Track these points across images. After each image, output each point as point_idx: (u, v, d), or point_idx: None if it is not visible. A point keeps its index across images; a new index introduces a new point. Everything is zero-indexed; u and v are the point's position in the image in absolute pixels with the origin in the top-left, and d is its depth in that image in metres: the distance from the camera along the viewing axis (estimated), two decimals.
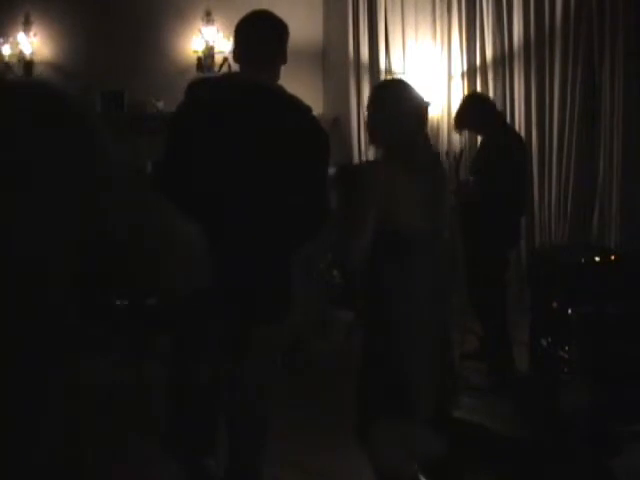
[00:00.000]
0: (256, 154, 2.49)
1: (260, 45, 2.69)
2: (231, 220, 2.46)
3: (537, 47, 6.03)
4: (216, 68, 7.27)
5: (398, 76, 7.34)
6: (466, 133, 6.04)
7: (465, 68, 6.88)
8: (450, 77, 6.95)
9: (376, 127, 2.70)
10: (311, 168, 2.58)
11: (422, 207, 2.52)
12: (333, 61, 7.84)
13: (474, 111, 4.73)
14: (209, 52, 7.36)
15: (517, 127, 5.98)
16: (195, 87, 2.67)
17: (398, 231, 2.49)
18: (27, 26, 7.04)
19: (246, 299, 2.50)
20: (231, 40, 7.39)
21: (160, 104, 7.11)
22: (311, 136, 2.64)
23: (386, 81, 3.06)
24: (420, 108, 2.67)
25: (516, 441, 3.39)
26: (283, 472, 3.25)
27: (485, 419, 3.52)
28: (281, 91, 2.66)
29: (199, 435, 2.81)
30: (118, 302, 4.74)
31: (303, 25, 7.80)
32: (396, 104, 2.64)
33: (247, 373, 2.63)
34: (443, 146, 6.66)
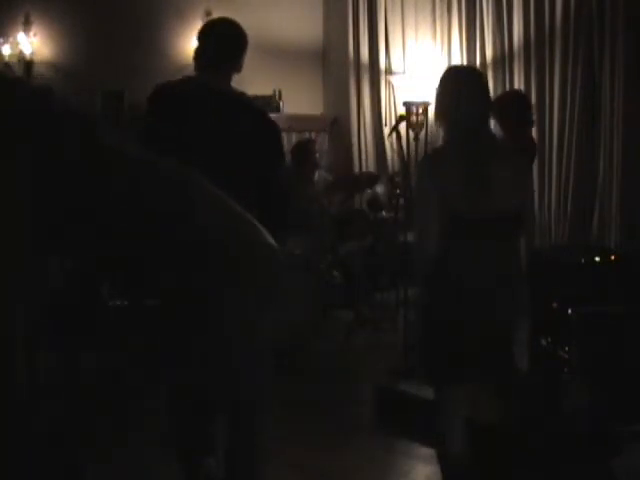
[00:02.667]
0: (215, 146, 2.73)
1: (217, 52, 2.95)
2: None
3: (537, 47, 6.03)
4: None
5: (399, 76, 7.35)
6: None
7: None
8: None
9: (442, 110, 2.74)
10: (265, 158, 2.86)
11: (483, 191, 2.56)
12: (333, 61, 7.84)
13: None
14: None
15: None
16: (159, 91, 2.93)
17: (459, 215, 2.55)
18: (27, 26, 7.03)
19: None
20: None
21: None
22: (262, 130, 2.92)
23: (459, 66, 3.13)
24: (486, 97, 2.72)
25: (516, 441, 3.39)
26: (283, 472, 3.25)
27: (485, 418, 3.51)
28: (238, 94, 3.00)
29: (199, 435, 2.81)
30: (118, 302, 4.74)
31: (303, 25, 7.80)
32: (462, 88, 2.68)
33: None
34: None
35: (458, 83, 2.73)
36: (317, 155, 6.14)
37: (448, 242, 2.58)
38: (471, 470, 2.79)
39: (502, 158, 2.68)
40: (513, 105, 4.58)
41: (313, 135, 7.74)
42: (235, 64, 3.02)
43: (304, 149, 6.04)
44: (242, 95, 3.02)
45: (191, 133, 2.76)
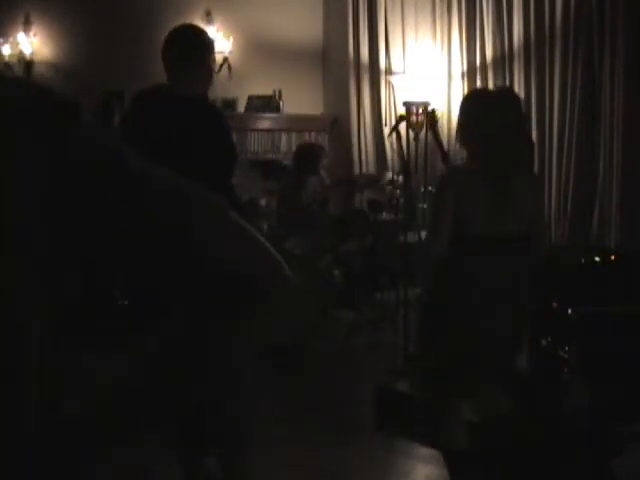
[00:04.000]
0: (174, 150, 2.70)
1: (180, 60, 2.98)
2: None
3: (537, 47, 6.03)
4: (216, 68, 7.28)
5: (399, 76, 7.35)
6: None
7: (465, 68, 6.88)
8: (450, 77, 6.95)
9: (463, 130, 2.79)
10: (217, 160, 2.84)
11: (491, 213, 2.64)
12: (333, 61, 7.84)
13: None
14: None
15: None
16: (137, 98, 3.14)
17: (464, 234, 2.64)
18: (27, 26, 7.04)
19: None
20: (231, 40, 7.45)
21: None
22: (214, 132, 2.89)
23: (486, 90, 3.16)
24: (511, 120, 2.73)
25: (516, 441, 3.39)
26: (283, 472, 3.25)
27: (485, 419, 3.51)
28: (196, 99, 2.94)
29: (199, 435, 2.81)
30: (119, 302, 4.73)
31: (303, 25, 7.81)
32: (485, 111, 2.72)
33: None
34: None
35: (489, 103, 2.77)
36: (324, 161, 6.00)
37: (457, 252, 2.66)
38: (475, 468, 2.81)
39: (520, 176, 2.72)
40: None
41: (313, 135, 7.74)
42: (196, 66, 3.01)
43: (311, 153, 5.92)
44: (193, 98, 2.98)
45: (150, 142, 2.80)
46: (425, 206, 6.10)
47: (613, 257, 4.28)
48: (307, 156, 5.81)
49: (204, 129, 2.86)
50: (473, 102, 2.83)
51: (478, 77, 6.73)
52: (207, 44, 3.05)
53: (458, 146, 2.87)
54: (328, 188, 6.02)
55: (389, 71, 7.51)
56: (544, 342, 4.21)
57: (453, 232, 2.65)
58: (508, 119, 2.70)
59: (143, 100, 3.06)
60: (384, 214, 6.45)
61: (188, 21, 7.41)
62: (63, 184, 1.01)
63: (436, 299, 2.81)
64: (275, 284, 1.17)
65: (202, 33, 3.08)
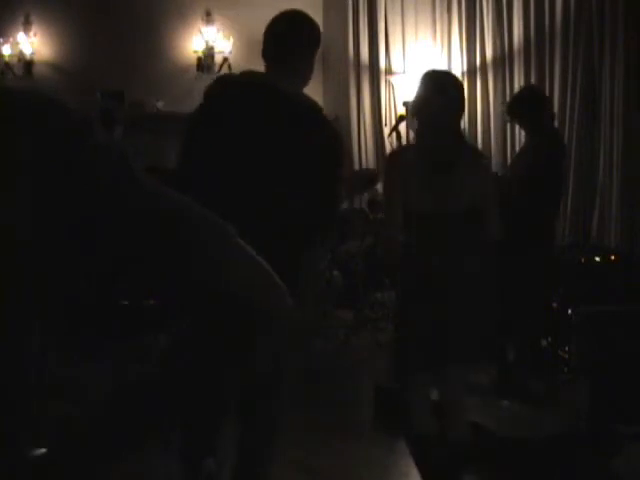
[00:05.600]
0: (261, 154, 2.45)
1: (275, 44, 2.61)
2: (242, 221, 2.42)
3: (537, 47, 6.03)
4: (216, 68, 7.28)
5: (399, 76, 7.35)
6: None
7: (465, 68, 6.88)
8: None
9: (412, 111, 2.95)
10: (320, 169, 2.48)
11: (434, 191, 2.74)
12: (333, 61, 7.84)
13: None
14: (209, 52, 7.36)
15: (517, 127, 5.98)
16: (210, 87, 2.59)
17: (412, 212, 2.77)
18: (27, 26, 7.04)
19: None
20: (231, 40, 7.44)
21: (160, 104, 7.11)
22: (321, 139, 2.49)
23: (434, 70, 3.19)
24: (457, 101, 2.83)
25: (516, 441, 3.39)
26: (283, 472, 3.25)
27: (485, 419, 3.52)
28: (290, 92, 2.53)
29: (200, 435, 2.81)
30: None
31: None
32: (433, 91, 2.82)
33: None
34: None
35: (430, 86, 2.85)
36: None
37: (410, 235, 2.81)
38: (439, 450, 2.88)
39: (462, 158, 2.81)
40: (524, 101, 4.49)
41: None
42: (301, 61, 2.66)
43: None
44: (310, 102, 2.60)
45: (237, 145, 2.45)
46: None
47: (613, 257, 4.28)
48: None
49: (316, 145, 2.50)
50: (422, 84, 2.90)
51: (478, 77, 6.73)
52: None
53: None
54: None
55: (389, 71, 7.51)
56: (544, 342, 4.22)
57: (403, 210, 2.79)
58: (452, 103, 2.81)
59: (230, 88, 2.59)
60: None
61: (188, 21, 7.44)
62: (75, 194, 1.01)
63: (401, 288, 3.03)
64: (273, 305, 1.17)
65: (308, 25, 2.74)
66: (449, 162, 2.76)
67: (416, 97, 2.89)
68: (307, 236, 2.55)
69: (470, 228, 2.81)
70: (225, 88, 2.56)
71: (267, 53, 2.62)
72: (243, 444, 2.70)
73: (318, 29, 2.72)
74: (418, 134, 2.89)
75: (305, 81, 2.67)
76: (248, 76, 2.57)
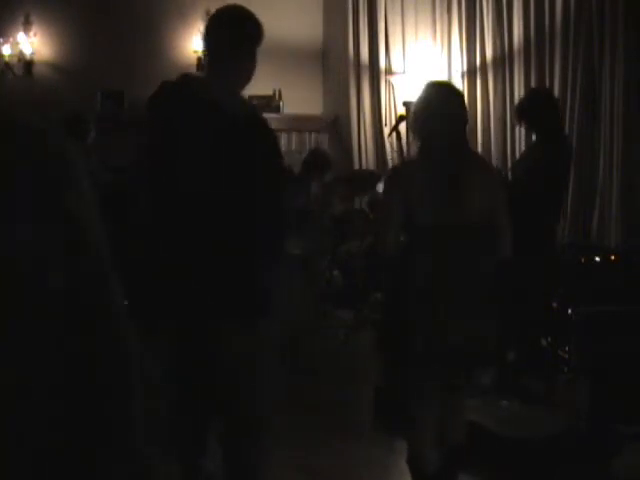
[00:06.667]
0: (200, 166, 2.41)
1: (215, 43, 2.53)
2: (198, 222, 2.42)
3: (537, 47, 6.03)
4: None
5: (399, 76, 7.35)
6: None
7: (465, 68, 6.88)
8: (450, 77, 6.94)
9: (413, 124, 2.89)
10: (261, 172, 2.44)
11: (439, 203, 2.69)
12: (333, 61, 7.84)
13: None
14: None
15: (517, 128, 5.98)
16: (152, 96, 2.56)
17: (416, 224, 2.71)
18: (27, 26, 7.04)
19: (211, 299, 2.44)
20: None
21: None
22: (255, 148, 2.44)
23: (436, 82, 3.18)
24: (460, 113, 2.82)
25: (516, 441, 3.39)
26: (283, 472, 3.25)
27: (485, 419, 3.52)
28: (222, 100, 2.45)
29: (196, 435, 2.80)
30: None
31: (303, 25, 7.80)
32: (433, 105, 2.78)
33: (225, 376, 2.59)
34: None
35: (432, 99, 2.81)
36: (329, 175, 5.92)
37: (409, 245, 2.77)
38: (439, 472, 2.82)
39: (472, 171, 2.77)
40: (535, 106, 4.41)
41: (313, 135, 7.75)
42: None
43: (323, 159, 5.88)
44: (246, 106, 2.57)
45: (189, 151, 2.43)
46: None
47: (613, 257, 4.28)
48: (319, 162, 5.80)
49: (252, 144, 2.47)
50: (426, 96, 2.85)
51: (478, 77, 6.73)
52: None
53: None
54: (327, 186, 6.01)
55: (389, 71, 7.51)
56: (544, 342, 4.22)
57: (406, 224, 2.74)
58: (458, 115, 2.80)
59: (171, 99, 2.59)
60: None
61: (188, 21, 7.44)
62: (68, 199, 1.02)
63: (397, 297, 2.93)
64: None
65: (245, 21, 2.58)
66: (460, 175, 2.72)
67: (418, 111, 2.83)
68: (263, 238, 2.47)
69: (483, 241, 2.78)
70: (164, 99, 2.53)
71: (207, 52, 2.60)
72: (225, 444, 2.69)
73: (259, 24, 2.53)
74: (423, 149, 2.81)
75: (247, 78, 2.53)
76: (185, 84, 2.51)
